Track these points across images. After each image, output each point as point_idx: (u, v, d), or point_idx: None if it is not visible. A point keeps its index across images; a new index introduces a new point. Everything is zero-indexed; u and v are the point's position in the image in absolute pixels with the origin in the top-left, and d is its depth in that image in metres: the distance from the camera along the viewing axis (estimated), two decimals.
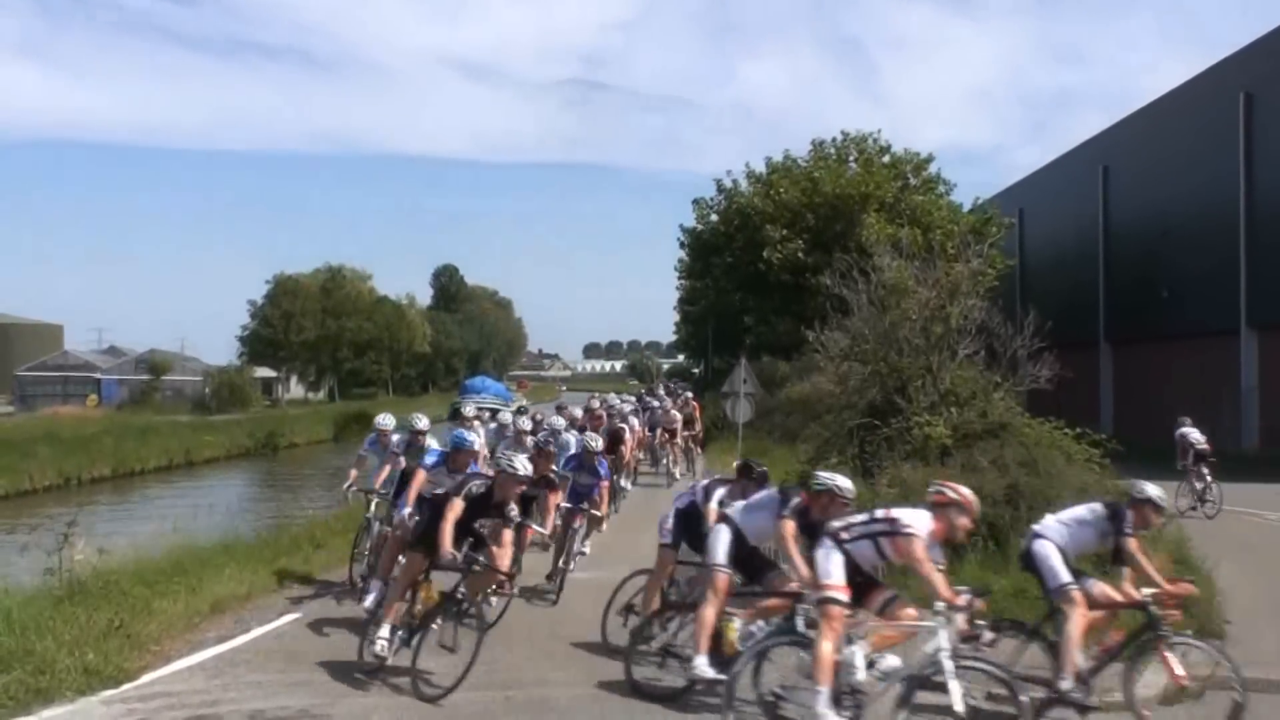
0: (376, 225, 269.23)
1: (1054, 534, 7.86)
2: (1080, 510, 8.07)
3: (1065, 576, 7.58)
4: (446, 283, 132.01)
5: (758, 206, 41.34)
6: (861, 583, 7.39)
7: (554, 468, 12.06)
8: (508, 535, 9.05)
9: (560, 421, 18.59)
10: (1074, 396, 28.45)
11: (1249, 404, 28.29)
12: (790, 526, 7.89)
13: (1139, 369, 35.78)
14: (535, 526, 10.54)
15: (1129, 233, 37.02)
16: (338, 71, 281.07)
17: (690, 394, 31.49)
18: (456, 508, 8.70)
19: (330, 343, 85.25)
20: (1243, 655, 8.84)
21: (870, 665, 7.08)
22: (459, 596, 8.67)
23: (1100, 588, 7.80)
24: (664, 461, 24.58)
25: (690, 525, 9.23)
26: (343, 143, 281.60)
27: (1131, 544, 7.71)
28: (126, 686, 8.39)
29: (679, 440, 25.07)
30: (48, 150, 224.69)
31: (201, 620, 10.66)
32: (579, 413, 21.18)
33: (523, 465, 9.08)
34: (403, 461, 11.91)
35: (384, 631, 8.68)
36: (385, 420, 12.85)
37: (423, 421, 12.72)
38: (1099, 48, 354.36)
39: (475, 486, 9.00)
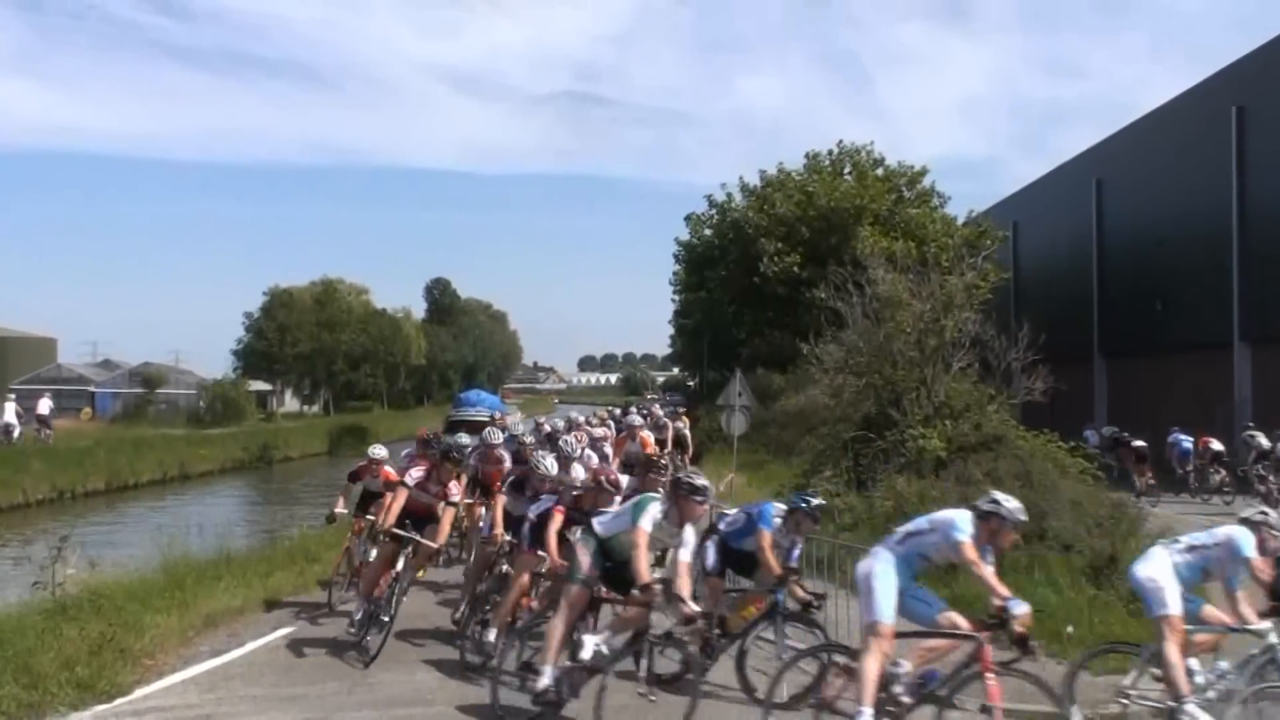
0: (373, 238, 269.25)
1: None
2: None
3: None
4: (439, 296, 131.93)
5: (752, 220, 41.40)
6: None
7: None
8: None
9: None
10: (1068, 409, 28.54)
11: (1242, 417, 28.24)
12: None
13: (1133, 382, 35.81)
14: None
15: (1122, 245, 37.10)
16: (333, 85, 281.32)
17: (631, 416, 21.20)
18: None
19: (325, 355, 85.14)
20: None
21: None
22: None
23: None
24: None
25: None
26: (338, 156, 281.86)
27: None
28: (119, 701, 8.37)
29: None
30: (42, 163, 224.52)
31: (195, 634, 10.64)
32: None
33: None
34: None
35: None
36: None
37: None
38: (1092, 62, 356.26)
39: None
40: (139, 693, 8.65)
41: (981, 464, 13.89)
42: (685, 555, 7.63)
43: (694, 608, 7.44)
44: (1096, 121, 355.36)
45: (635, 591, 7.51)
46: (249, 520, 29.15)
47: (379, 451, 12.98)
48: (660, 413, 24.71)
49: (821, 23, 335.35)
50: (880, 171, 43.05)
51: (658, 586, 7.27)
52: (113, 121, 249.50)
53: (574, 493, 9.46)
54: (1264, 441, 22.12)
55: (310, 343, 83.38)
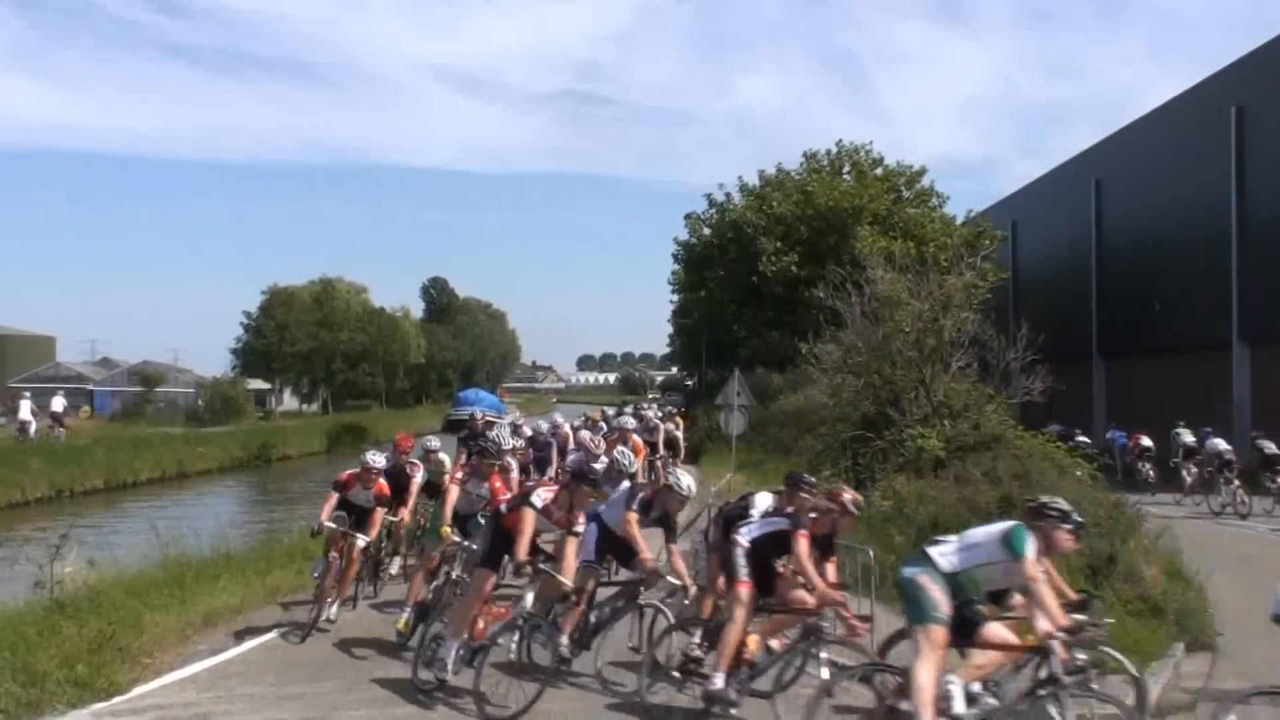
0: (371, 237, 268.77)
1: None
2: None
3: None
4: (436, 295, 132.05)
5: (750, 220, 41.41)
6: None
7: None
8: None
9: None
10: (1066, 409, 28.55)
11: (1241, 417, 28.32)
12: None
13: (1131, 382, 35.83)
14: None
15: (1121, 246, 37.12)
16: (332, 84, 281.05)
17: (623, 419, 19.38)
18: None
19: (323, 354, 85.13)
20: (1233, 667, 8.87)
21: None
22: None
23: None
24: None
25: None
26: (337, 155, 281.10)
27: None
28: (117, 699, 8.37)
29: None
30: (41, 161, 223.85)
31: (193, 632, 10.64)
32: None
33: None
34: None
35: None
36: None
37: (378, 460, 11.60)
38: (1092, 62, 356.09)
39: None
40: (137, 691, 8.65)
41: (980, 464, 13.88)
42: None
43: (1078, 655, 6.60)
44: (1095, 122, 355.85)
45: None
46: (247, 519, 29.12)
47: (376, 460, 11.42)
48: (653, 414, 24.31)
49: (820, 22, 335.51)
50: (879, 171, 43.08)
51: (1092, 631, 6.49)
52: (110, 119, 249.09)
53: (813, 516, 8.14)
54: (1189, 438, 23.89)
55: (309, 341, 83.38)
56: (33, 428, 36.35)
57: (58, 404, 40.38)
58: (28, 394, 40.87)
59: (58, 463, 34.41)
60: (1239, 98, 29.65)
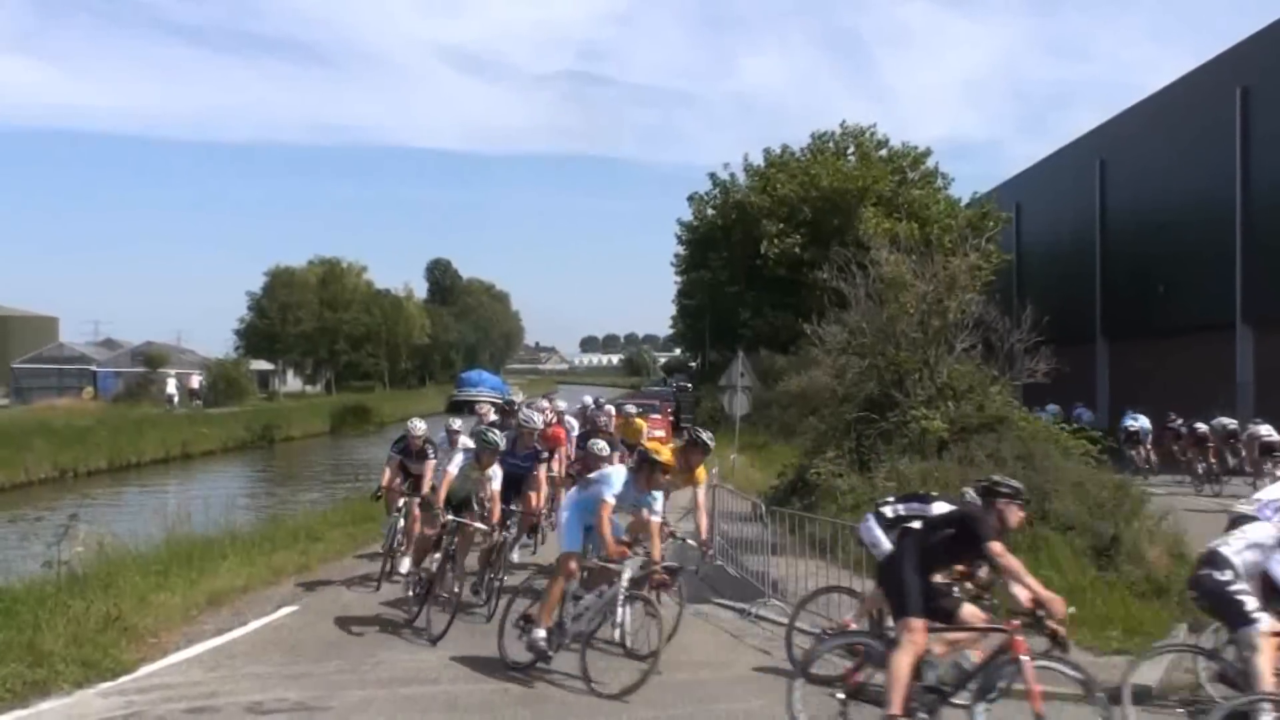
0: (373, 218, 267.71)
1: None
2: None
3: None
4: (440, 276, 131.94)
5: (754, 201, 41.35)
6: None
7: None
8: None
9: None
10: (1070, 391, 28.54)
11: (1244, 399, 28.28)
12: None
13: (1135, 363, 35.78)
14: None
15: (1125, 227, 37.02)
16: (334, 64, 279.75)
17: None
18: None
19: (327, 335, 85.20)
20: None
21: None
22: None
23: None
24: None
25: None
26: (339, 135, 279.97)
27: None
28: (124, 679, 8.40)
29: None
30: (43, 142, 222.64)
31: (199, 612, 10.68)
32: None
33: None
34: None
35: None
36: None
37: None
38: (1096, 43, 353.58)
39: None
40: (144, 670, 8.68)
41: (984, 445, 13.90)
42: None
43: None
44: (1100, 103, 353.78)
45: None
46: (252, 499, 29.19)
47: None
48: (561, 408, 17.91)
49: (823, 1, 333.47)
50: (883, 153, 43.00)
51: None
52: (112, 99, 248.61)
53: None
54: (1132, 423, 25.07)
55: (312, 322, 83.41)
56: (176, 401, 45.77)
57: (194, 381, 50.20)
58: (173, 373, 51.04)
59: (62, 443, 34.51)
60: (1243, 79, 29.51)
